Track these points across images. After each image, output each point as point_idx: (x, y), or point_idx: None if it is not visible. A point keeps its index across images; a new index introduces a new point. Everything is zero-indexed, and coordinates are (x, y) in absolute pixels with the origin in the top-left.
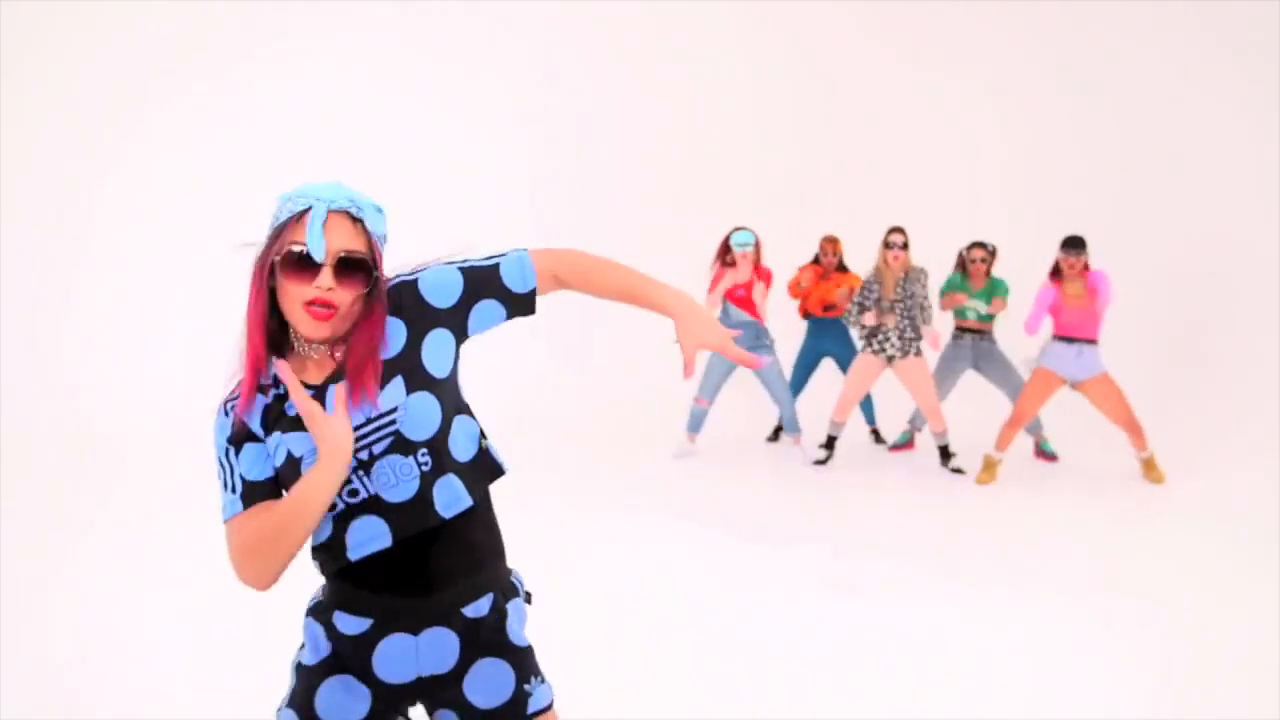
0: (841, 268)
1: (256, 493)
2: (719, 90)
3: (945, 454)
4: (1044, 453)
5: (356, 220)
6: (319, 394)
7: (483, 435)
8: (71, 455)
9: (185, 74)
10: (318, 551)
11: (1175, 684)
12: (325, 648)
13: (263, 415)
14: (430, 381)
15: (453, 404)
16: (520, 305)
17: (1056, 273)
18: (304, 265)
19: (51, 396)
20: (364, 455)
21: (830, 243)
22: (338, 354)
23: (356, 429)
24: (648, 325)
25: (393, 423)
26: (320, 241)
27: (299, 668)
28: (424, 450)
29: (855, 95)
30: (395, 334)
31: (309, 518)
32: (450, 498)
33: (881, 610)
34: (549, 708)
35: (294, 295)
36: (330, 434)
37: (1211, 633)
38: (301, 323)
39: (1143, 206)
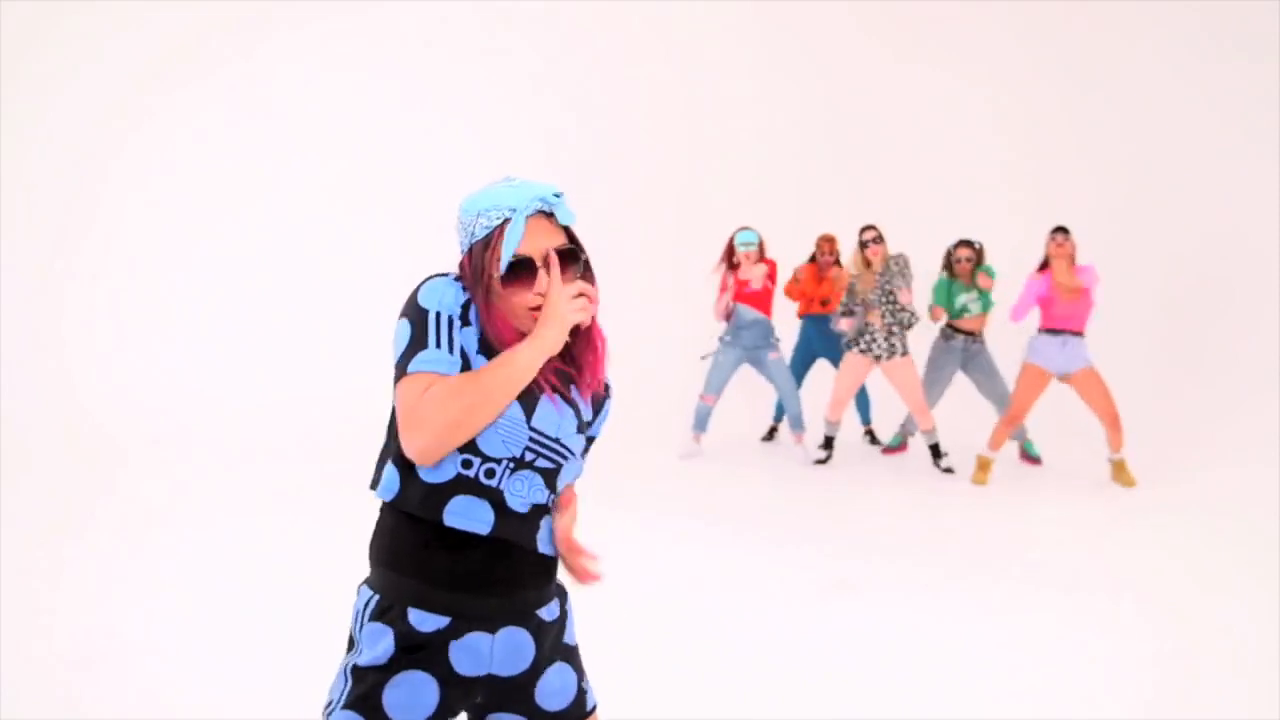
0: (838, 266)
1: (461, 366)
2: (720, 92)
3: (935, 452)
4: (1028, 455)
5: (549, 216)
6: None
7: None
8: (72, 454)
9: (187, 73)
10: (415, 492)
11: (1174, 682)
12: (391, 648)
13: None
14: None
15: None
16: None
17: (1045, 266)
18: (520, 274)
19: (52, 395)
20: (527, 456)
21: (827, 241)
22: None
23: (541, 435)
24: (648, 324)
25: (564, 456)
26: (527, 244)
27: (355, 670)
28: (554, 495)
29: (857, 95)
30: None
31: (515, 385)
32: (546, 535)
33: (880, 609)
34: (595, 707)
35: (518, 304)
36: (559, 298)
37: (1210, 632)
38: (528, 327)
39: (1142, 206)
